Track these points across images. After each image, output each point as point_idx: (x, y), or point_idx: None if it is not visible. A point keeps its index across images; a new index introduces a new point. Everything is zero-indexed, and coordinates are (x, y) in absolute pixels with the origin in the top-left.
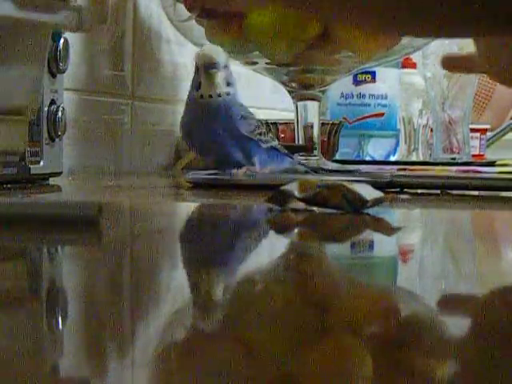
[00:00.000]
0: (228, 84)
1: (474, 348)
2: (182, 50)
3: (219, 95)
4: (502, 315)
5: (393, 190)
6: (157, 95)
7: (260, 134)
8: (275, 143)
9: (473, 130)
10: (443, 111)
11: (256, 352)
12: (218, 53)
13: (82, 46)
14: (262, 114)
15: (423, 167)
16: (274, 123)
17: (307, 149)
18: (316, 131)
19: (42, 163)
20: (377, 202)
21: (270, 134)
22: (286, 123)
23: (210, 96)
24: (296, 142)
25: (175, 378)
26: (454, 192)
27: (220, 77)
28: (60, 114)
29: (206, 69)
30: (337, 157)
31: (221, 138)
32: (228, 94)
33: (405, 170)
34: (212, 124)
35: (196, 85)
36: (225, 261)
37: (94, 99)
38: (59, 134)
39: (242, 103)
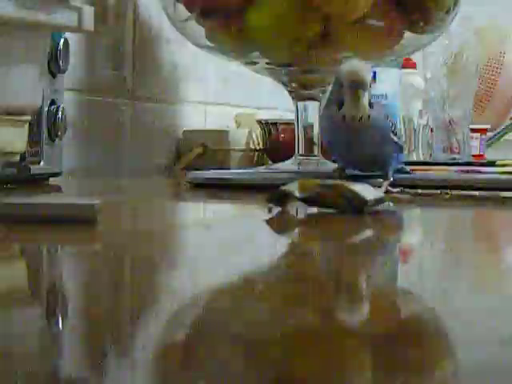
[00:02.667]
0: (370, 105)
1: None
2: (182, 50)
3: (361, 119)
4: (502, 315)
5: (393, 189)
6: (157, 95)
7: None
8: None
9: (473, 130)
10: (443, 111)
11: (256, 352)
12: (367, 70)
13: (82, 46)
14: (262, 114)
15: (423, 167)
16: (274, 123)
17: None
18: (316, 131)
19: (42, 163)
20: (377, 202)
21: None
22: (286, 123)
23: (353, 118)
24: (296, 142)
25: (175, 378)
26: (454, 192)
27: (366, 98)
28: (60, 114)
29: (352, 87)
30: None
31: (364, 158)
32: (369, 116)
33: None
34: (358, 145)
35: (338, 102)
36: (225, 261)
37: (94, 99)
38: (59, 134)
39: (385, 121)
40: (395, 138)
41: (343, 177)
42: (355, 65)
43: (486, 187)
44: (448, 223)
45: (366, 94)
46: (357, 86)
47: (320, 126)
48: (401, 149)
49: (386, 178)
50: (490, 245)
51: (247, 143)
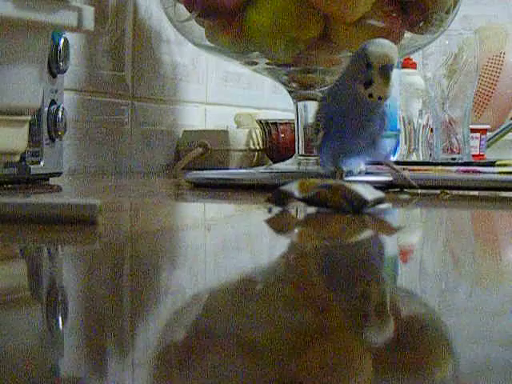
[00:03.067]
0: None
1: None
2: (182, 50)
3: (385, 98)
4: (503, 315)
5: (393, 189)
6: (157, 95)
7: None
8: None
9: (473, 130)
10: (443, 111)
11: (256, 352)
12: (395, 51)
13: (81, 46)
14: (262, 114)
15: (423, 167)
16: (274, 123)
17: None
18: None
19: (42, 163)
20: (377, 201)
21: None
22: (286, 123)
23: (380, 98)
24: (296, 142)
25: (175, 378)
26: (454, 192)
27: (393, 78)
28: (60, 114)
29: (383, 69)
30: None
31: (367, 138)
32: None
33: (404, 170)
34: (367, 122)
35: (366, 81)
36: (225, 261)
37: (93, 99)
38: (59, 133)
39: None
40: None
41: (343, 177)
42: (383, 45)
43: (482, 187)
44: (448, 223)
45: (393, 75)
46: (388, 68)
47: (324, 103)
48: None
49: (386, 160)
50: (489, 245)
51: (247, 143)
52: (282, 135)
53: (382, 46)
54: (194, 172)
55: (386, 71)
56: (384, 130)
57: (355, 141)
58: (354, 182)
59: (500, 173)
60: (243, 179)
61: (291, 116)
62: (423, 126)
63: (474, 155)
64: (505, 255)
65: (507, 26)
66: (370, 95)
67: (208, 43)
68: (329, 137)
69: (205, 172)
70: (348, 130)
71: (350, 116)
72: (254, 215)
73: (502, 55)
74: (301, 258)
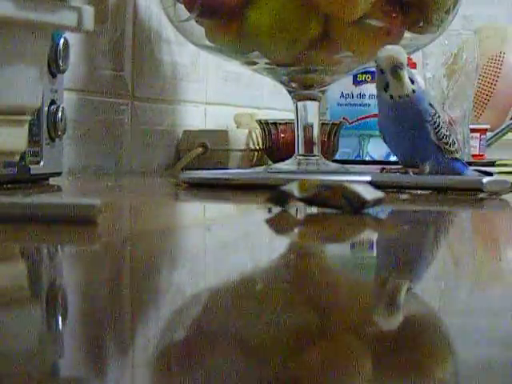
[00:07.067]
0: (412, 81)
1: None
2: (182, 50)
3: (407, 95)
4: (502, 315)
5: (393, 189)
6: (157, 95)
7: (447, 144)
8: (459, 155)
9: (473, 130)
10: (443, 111)
11: (255, 352)
12: (401, 52)
13: (81, 46)
14: (261, 114)
15: None
16: (274, 123)
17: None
18: (316, 131)
19: (41, 163)
20: (377, 202)
21: (456, 145)
22: (286, 123)
23: (400, 97)
24: (296, 142)
25: (175, 378)
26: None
27: (406, 76)
28: (60, 114)
29: (393, 70)
30: (337, 157)
31: (410, 137)
32: (414, 91)
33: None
34: (403, 123)
35: (384, 86)
36: (225, 261)
37: (94, 99)
38: (59, 133)
39: (429, 100)
40: (433, 138)
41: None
42: (390, 49)
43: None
44: (448, 223)
45: (406, 72)
46: (396, 67)
47: (380, 118)
48: (439, 149)
49: (420, 168)
50: (489, 245)
51: (247, 143)
52: (282, 135)
53: (388, 50)
54: (193, 172)
55: (395, 71)
56: (424, 126)
57: (395, 141)
58: (354, 181)
59: (499, 173)
60: (243, 179)
61: (291, 116)
62: None
63: (473, 155)
64: (505, 255)
65: (507, 26)
66: (391, 97)
67: (208, 43)
68: (391, 148)
69: (203, 172)
70: (395, 135)
71: (389, 121)
72: (254, 215)
73: (501, 55)
74: (301, 258)
